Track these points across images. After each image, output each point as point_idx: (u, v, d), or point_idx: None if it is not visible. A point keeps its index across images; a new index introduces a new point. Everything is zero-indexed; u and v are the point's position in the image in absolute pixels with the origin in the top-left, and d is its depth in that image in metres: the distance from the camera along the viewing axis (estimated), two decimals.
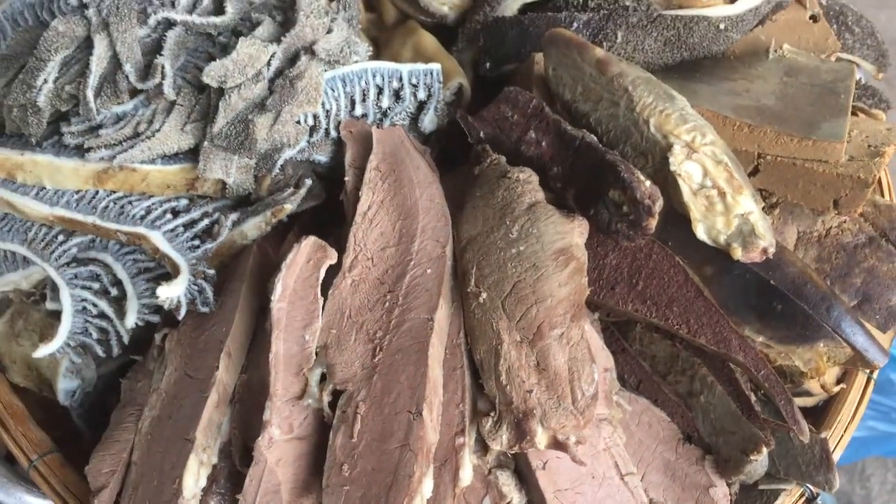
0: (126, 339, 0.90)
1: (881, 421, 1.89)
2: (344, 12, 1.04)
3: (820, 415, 0.96)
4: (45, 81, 0.87)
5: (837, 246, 0.94)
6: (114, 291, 0.90)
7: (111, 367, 0.95)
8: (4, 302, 0.97)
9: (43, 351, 0.87)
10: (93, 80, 0.86)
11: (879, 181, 1.04)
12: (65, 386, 0.92)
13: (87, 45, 0.89)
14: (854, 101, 1.05)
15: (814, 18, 1.08)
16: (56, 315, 0.91)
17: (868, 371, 0.95)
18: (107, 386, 0.96)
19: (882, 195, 1.04)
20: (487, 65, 1.08)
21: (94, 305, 0.89)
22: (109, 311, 0.89)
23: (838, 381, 0.95)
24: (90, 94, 0.86)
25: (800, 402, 0.92)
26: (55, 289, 0.90)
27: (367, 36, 1.14)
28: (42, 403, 0.96)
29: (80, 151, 0.88)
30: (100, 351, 0.90)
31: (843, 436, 0.92)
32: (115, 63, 0.87)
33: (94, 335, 0.89)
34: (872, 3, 3.18)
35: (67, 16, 0.90)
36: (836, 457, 0.90)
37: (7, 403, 0.93)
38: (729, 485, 0.88)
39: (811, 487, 0.90)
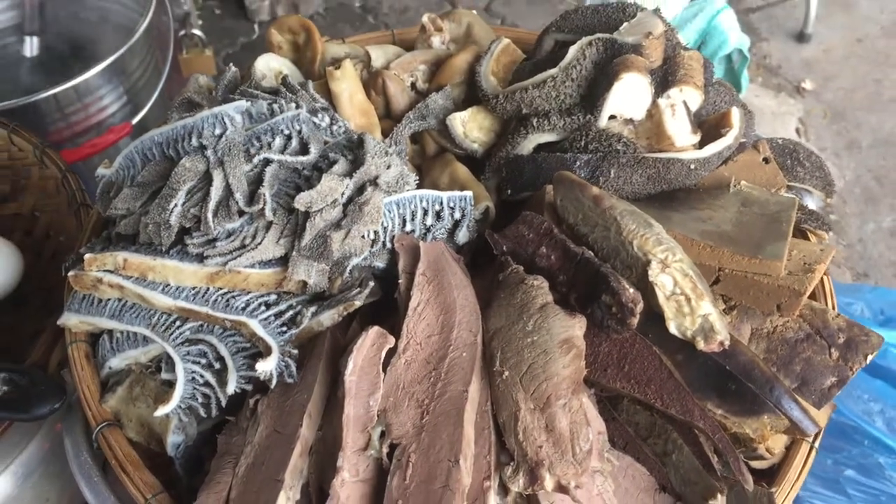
0: (224, 403, 1.00)
1: None
2: (395, 146, 1.25)
3: (773, 475, 1.02)
4: (176, 205, 1.00)
5: (782, 340, 1.03)
6: (217, 365, 1.01)
7: (208, 424, 1.04)
8: (125, 372, 1.07)
9: (161, 411, 0.98)
10: (212, 204, 0.99)
11: (822, 284, 1.14)
12: (173, 440, 1.01)
13: (206, 177, 1.02)
14: (802, 224, 1.19)
15: (766, 160, 1.20)
16: (169, 383, 1.03)
17: (811, 441, 1.02)
18: (203, 440, 1.04)
19: (825, 298, 1.13)
20: (509, 191, 1.19)
21: (201, 376, 1.01)
22: (213, 380, 1.00)
23: (787, 449, 1.03)
24: (210, 215, 0.99)
25: (756, 464, 1.02)
26: (170, 362, 1.02)
27: (413, 163, 1.30)
28: (147, 454, 1.04)
29: (200, 258, 1.00)
30: (202, 412, 1.00)
31: (789, 492, 1.00)
32: (228, 191, 1.00)
33: (200, 399, 1.00)
34: (873, 59, 3.27)
35: (191, 155, 1.04)
36: None
37: (127, 454, 1.01)
38: None
39: None
